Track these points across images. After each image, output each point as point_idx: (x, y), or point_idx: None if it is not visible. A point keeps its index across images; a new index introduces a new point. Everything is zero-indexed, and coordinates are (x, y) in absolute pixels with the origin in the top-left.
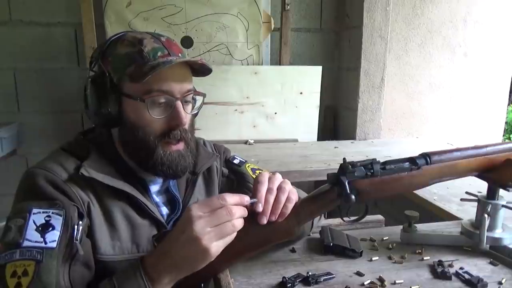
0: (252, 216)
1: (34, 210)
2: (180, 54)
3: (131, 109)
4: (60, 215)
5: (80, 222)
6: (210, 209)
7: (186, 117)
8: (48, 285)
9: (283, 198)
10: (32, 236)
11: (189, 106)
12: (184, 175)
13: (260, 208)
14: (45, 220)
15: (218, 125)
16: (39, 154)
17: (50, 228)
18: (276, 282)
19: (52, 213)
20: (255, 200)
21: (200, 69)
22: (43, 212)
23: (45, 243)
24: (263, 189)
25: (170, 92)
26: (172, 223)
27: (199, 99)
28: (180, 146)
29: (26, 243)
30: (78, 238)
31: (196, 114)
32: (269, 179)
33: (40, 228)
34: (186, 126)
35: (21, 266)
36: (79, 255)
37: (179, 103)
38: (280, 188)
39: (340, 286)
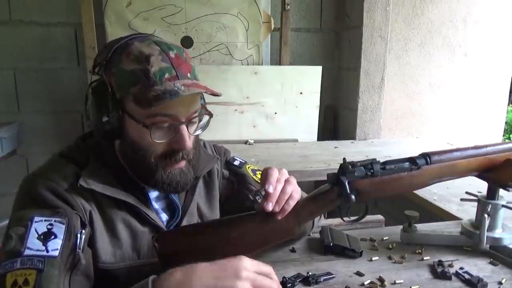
0: (253, 215)
1: (36, 218)
2: (189, 74)
3: (133, 129)
4: (63, 223)
5: (83, 231)
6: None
7: (189, 140)
8: None
9: (289, 190)
10: (33, 244)
11: (195, 126)
12: (184, 191)
13: (271, 189)
14: (47, 228)
15: (218, 125)
16: (39, 154)
17: (52, 237)
18: None
19: (55, 221)
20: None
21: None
22: (45, 220)
23: (47, 251)
24: (274, 177)
25: (175, 117)
26: (172, 228)
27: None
28: (182, 164)
29: (27, 252)
30: (81, 247)
31: (203, 128)
32: (278, 171)
33: (42, 237)
34: (191, 146)
35: (22, 275)
36: (80, 264)
37: (183, 127)
38: (287, 181)
39: (340, 286)
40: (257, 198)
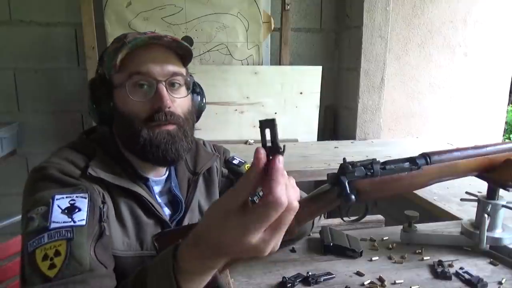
0: None
1: (57, 196)
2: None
3: (119, 99)
4: (85, 198)
5: (104, 205)
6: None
7: (171, 100)
8: (82, 259)
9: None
10: (58, 218)
11: (181, 90)
12: (178, 159)
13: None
14: (70, 204)
15: (218, 125)
16: (39, 154)
17: (77, 210)
18: (276, 282)
19: (76, 196)
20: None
21: (185, 54)
22: (66, 197)
23: (74, 222)
24: None
25: (149, 74)
26: (175, 223)
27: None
28: (170, 127)
29: (53, 225)
30: (104, 220)
31: (197, 104)
32: None
33: (66, 211)
34: (176, 110)
35: (51, 248)
36: (105, 235)
37: (161, 85)
38: None
39: (340, 286)
40: (254, 198)
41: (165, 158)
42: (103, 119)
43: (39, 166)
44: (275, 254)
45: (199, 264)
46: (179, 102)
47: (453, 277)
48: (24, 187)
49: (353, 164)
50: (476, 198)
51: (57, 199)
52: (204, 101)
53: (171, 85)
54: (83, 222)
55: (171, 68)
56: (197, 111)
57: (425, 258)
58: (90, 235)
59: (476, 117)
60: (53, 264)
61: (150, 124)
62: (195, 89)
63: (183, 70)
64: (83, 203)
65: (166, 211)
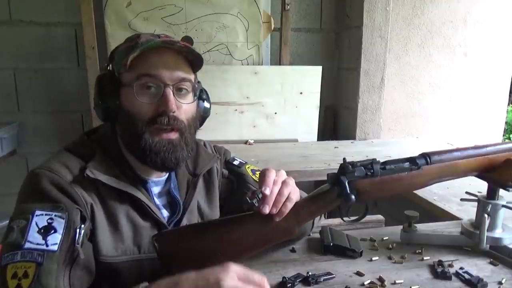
0: (252, 215)
1: (37, 212)
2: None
3: (125, 98)
4: (63, 218)
5: (82, 226)
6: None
7: (176, 105)
8: (47, 286)
9: (286, 192)
10: (34, 238)
11: (187, 96)
12: (176, 167)
13: (268, 191)
14: (48, 223)
15: (218, 125)
16: (39, 154)
17: (52, 231)
18: (276, 282)
19: (55, 215)
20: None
21: (194, 60)
22: (45, 215)
23: (47, 245)
24: (271, 179)
25: (158, 77)
26: (173, 225)
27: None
28: (172, 135)
29: (27, 245)
30: (80, 242)
31: (202, 110)
32: (276, 172)
33: (42, 230)
34: (180, 116)
35: (22, 267)
36: (79, 259)
37: (168, 89)
38: (284, 182)
39: (340, 286)
40: (254, 201)
41: (164, 165)
42: (107, 115)
43: (35, 172)
44: (275, 254)
45: None
46: (184, 107)
47: (453, 277)
48: (20, 189)
49: (353, 164)
50: (476, 198)
51: (36, 215)
52: (209, 107)
53: (178, 90)
54: (55, 248)
55: (181, 73)
56: (201, 117)
57: (425, 258)
58: (61, 262)
59: (476, 117)
60: (20, 285)
61: (152, 127)
62: (201, 95)
63: (191, 76)
64: (60, 224)
65: (164, 213)
